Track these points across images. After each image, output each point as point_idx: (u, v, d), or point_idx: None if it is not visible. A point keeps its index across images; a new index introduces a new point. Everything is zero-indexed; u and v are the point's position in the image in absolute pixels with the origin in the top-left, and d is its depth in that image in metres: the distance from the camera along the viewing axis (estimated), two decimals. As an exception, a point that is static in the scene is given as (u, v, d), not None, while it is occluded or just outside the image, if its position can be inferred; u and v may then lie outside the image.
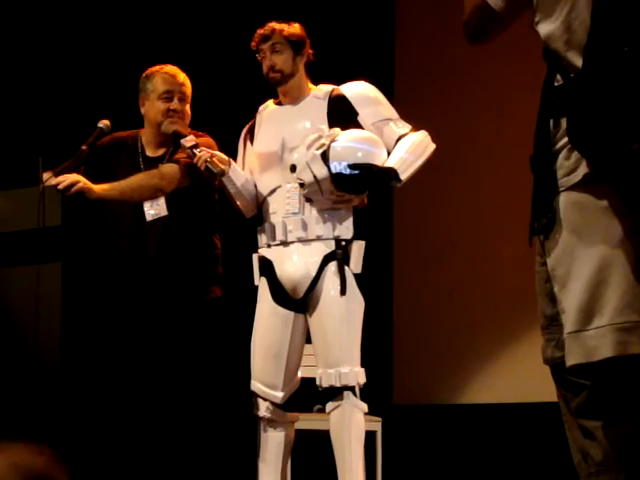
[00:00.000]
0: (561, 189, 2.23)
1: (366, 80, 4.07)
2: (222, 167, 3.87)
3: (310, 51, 4.03)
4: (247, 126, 4.13)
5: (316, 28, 4.22)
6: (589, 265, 2.18)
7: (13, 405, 3.43)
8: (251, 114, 4.15)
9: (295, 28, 4.00)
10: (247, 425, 4.08)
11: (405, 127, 3.95)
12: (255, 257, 4.00)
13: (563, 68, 2.21)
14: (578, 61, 2.18)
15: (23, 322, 3.46)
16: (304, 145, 3.80)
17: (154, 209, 3.98)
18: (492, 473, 5.81)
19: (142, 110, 4.09)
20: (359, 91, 3.97)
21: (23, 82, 5.38)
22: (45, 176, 3.54)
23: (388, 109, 3.98)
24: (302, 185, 3.80)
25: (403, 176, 3.79)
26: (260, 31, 3.98)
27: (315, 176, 3.75)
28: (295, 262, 3.88)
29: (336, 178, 3.73)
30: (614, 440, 2.18)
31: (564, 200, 2.23)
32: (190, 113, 4.09)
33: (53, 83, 5.47)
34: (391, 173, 3.78)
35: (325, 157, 3.74)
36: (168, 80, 4.03)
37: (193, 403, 3.92)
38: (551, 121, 2.24)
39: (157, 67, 4.09)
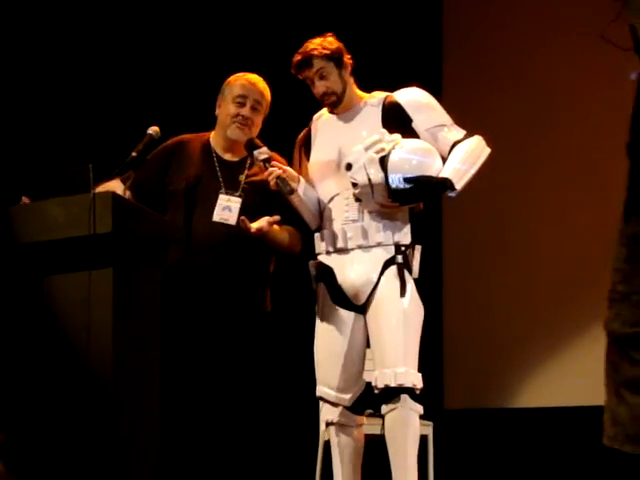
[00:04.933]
0: None
1: (415, 84, 4.02)
2: (292, 186, 3.86)
3: (348, 56, 3.98)
4: (301, 135, 4.11)
5: (363, 31, 4.17)
6: None
7: (63, 412, 3.45)
8: (300, 124, 4.13)
9: (330, 42, 3.94)
10: (309, 436, 4.07)
11: (460, 133, 3.91)
12: (312, 264, 3.98)
13: None
14: None
15: (74, 327, 3.49)
16: (363, 145, 3.79)
17: (225, 214, 3.97)
18: (544, 478, 5.76)
19: (216, 112, 4.12)
20: (412, 97, 3.94)
21: (75, 89, 5.43)
22: None
23: (442, 115, 3.94)
24: (354, 185, 3.79)
25: (458, 186, 3.77)
26: (298, 57, 3.92)
27: (370, 179, 3.74)
28: (356, 269, 3.87)
29: (393, 190, 3.72)
30: None
31: None
32: (260, 125, 4.08)
33: (104, 91, 5.52)
34: (446, 183, 3.75)
35: (383, 163, 3.73)
36: (246, 86, 4.06)
37: (258, 411, 3.95)
38: None
39: (242, 73, 4.12)
